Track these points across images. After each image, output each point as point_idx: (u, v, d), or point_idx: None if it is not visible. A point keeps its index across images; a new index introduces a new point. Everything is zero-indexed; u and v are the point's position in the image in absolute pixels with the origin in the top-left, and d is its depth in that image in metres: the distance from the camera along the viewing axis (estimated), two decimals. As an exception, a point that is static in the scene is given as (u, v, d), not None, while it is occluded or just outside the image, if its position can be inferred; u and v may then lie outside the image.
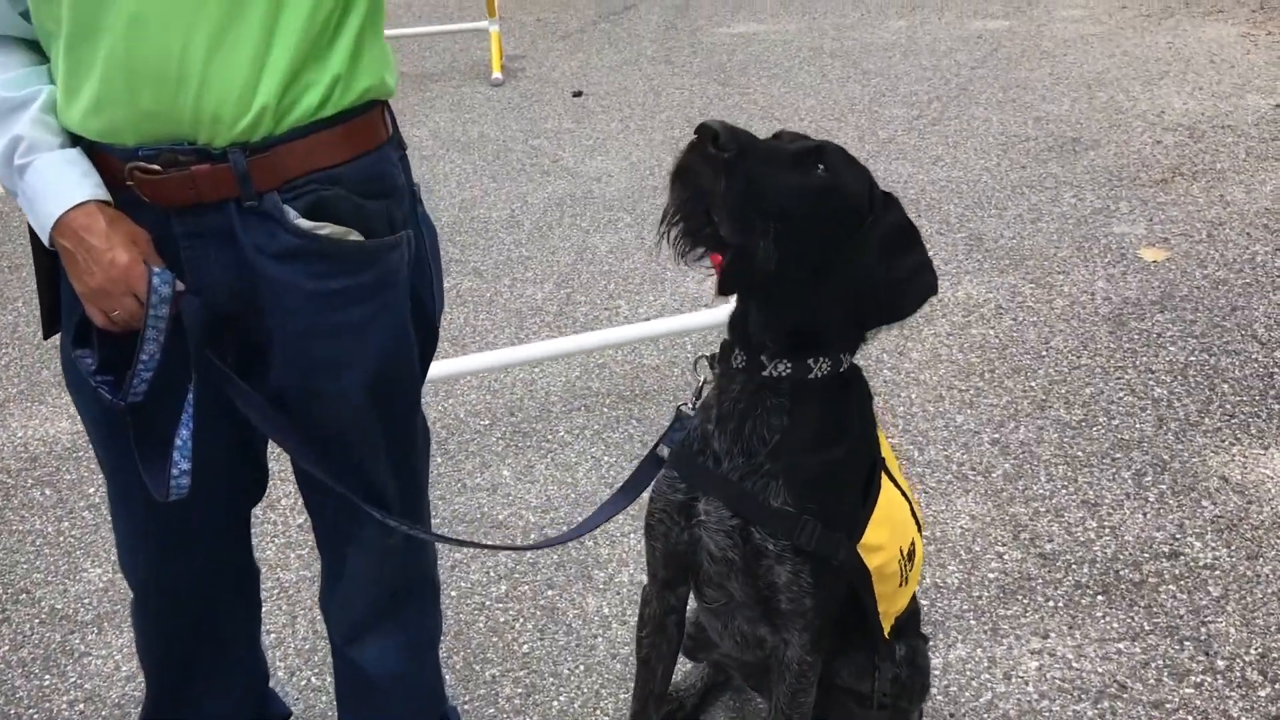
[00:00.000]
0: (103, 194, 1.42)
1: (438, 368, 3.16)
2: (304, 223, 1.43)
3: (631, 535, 2.71)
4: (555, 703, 2.31)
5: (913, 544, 1.79)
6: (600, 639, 2.44)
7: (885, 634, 1.80)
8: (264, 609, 2.58)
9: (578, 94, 6.20)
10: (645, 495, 1.77)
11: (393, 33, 7.24)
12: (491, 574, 2.66)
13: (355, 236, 1.47)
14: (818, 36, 7.01)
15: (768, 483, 1.61)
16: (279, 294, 1.46)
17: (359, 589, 1.73)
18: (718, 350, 1.68)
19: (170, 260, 1.46)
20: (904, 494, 1.79)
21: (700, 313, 3.44)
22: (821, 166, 1.47)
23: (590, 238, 4.42)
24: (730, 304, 3.33)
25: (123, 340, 1.47)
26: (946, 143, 5.11)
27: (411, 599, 1.78)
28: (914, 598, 1.95)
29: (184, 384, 1.49)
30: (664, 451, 1.74)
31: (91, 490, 3.03)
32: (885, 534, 1.70)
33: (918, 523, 1.84)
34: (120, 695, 2.40)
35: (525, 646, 2.44)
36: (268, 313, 1.48)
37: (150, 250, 1.43)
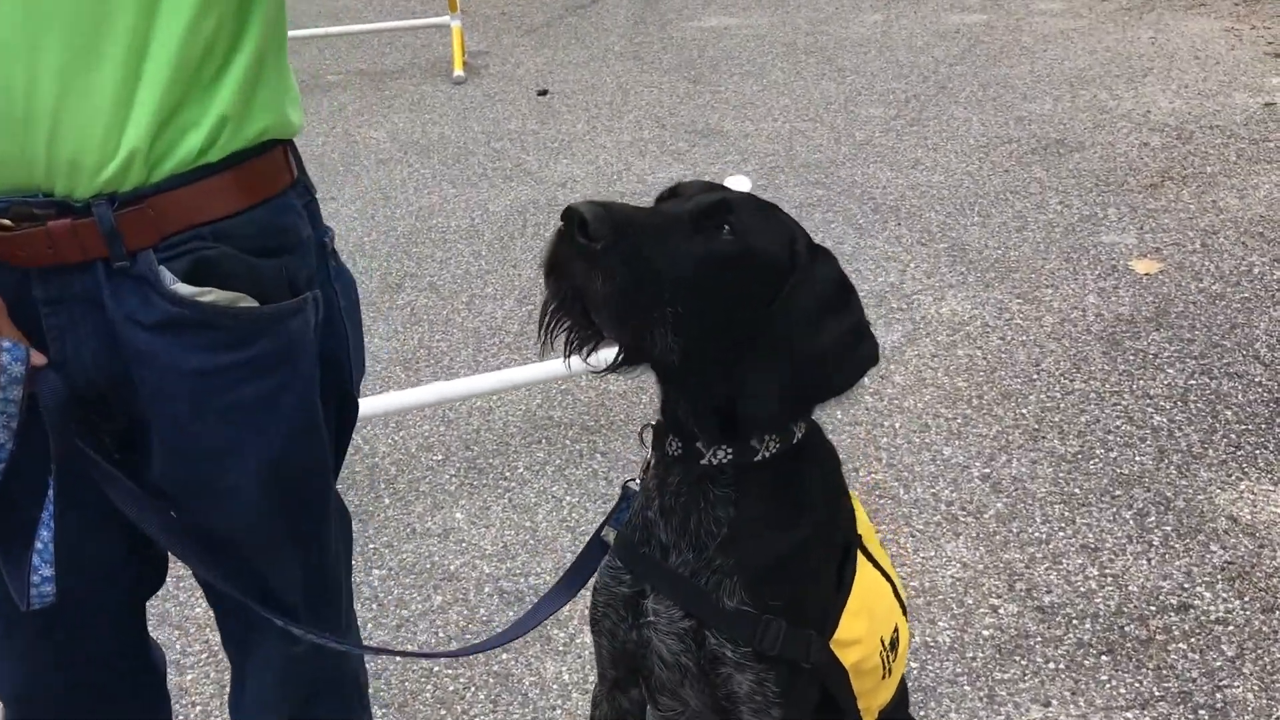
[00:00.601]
0: None
1: (388, 400, 2.93)
2: (183, 288, 1.20)
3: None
4: (509, 786, 2.09)
5: (895, 631, 1.58)
6: (560, 710, 2.22)
7: None
8: (190, 677, 2.35)
9: (543, 93, 5.96)
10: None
11: (351, 28, 6.97)
12: (440, 634, 2.43)
13: (247, 302, 1.23)
14: (791, 31, 6.79)
15: (721, 580, 1.38)
16: (156, 372, 1.23)
17: (266, 700, 1.50)
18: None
19: (31, 329, 1.22)
20: (884, 573, 1.57)
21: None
22: (727, 227, 1.24)
23: (554, 249, 4.18)
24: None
25: None
26: (926, 145, 4.90)
27: (322, 703, 1.54)
28: (901, 680, 1.74)
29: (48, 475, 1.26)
30: (610, 535, 1.52)
31: None
32: (863, 625, 1.48)
33: (902, 604, 1.62)
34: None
35: (477, 719, 2.22)
36: (144, 394, 1.25)
37: (1, 320, 1.19)
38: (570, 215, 1.13)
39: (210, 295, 1.20)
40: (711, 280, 1.21)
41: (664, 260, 1.18)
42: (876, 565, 1.55)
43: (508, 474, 2.92)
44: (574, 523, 2.72)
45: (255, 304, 1.24)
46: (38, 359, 1.19)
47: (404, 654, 1.68)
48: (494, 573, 2.58)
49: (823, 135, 5.07)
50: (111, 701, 1.54)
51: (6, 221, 1.16)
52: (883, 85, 5.73)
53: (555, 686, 2.27)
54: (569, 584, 1.52)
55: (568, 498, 2.81)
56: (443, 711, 2.24)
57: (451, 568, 2.62)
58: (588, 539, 1.56)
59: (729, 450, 1.33)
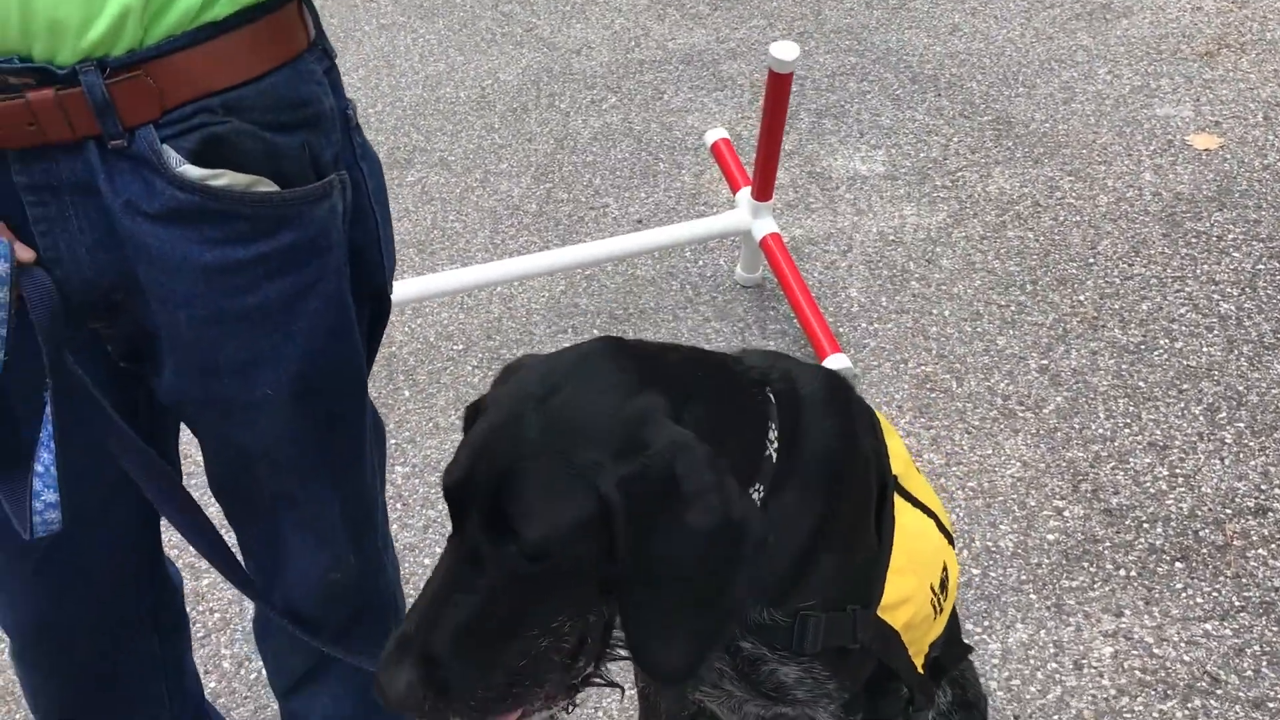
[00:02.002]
0: None
1: (405, 287, 2.74)
2: (192, 170, 1.01)
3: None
4: (550, 699, 1.97)
5: (944, 571, 1.41)
6: (600, 618, 2.10)
7: (920, 668, 1.45)
8: (206, 582, 2.23)
9: (551, -48, 5.59)
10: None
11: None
12: (471, 537, 2.30)
13: (266, 186, 1.05)
14: (814, -114, 6.37)
15: None
16: (164, 271, 1.04)
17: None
18: None
19: (13, 222, 1.04)
20: (924, 508, 1.39)
21: (700, 220, 3.01)
22: (509, 519, 0.97)
23: (571, 121, 3.94)
24: (738, 207, 2.85)
25: None
26: (964, 9, 4.60)
27: (362, 629, 1.40)
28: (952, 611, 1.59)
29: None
30: None
31: None
32: (910, 582, 1.31)
33: (948, 535, 1.45)
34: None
35: (513, 628, 2.10)
36: (152, 296, 1.07)
37: None
38: (382, 697, 1.02)
39: (223, 178, 1.02)
40: (545, 595, 1.00)
41: (496, 633, 1.00)
42: (917, 503, 1.38)
43: (533, 365, 2.75)
44: (606, 417, 2.57)
45: (275, 188, 1.05)
46: (24, 254, 1.01)
47: None
48: (524, 471, 2.44)
49: (853, -2, 4.76)
50: (126, 624, 1.41)
51: (-25, 92, 0.97)
52: (914, -56, 5.37)
53: (594, 593, 2.14)
54: None
55: (598, 390, 2.65)
56: (476, 620, 2.12)
57: (478, 465, 2.47)
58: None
59: None
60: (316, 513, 1.24)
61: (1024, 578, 2.10)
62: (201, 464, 1.31)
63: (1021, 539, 2.18)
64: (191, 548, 1.27)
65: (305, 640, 1.31)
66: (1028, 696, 1.90)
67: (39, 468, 1.08)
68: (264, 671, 2.05)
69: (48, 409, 1.07)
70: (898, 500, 1.32)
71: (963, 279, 2.94)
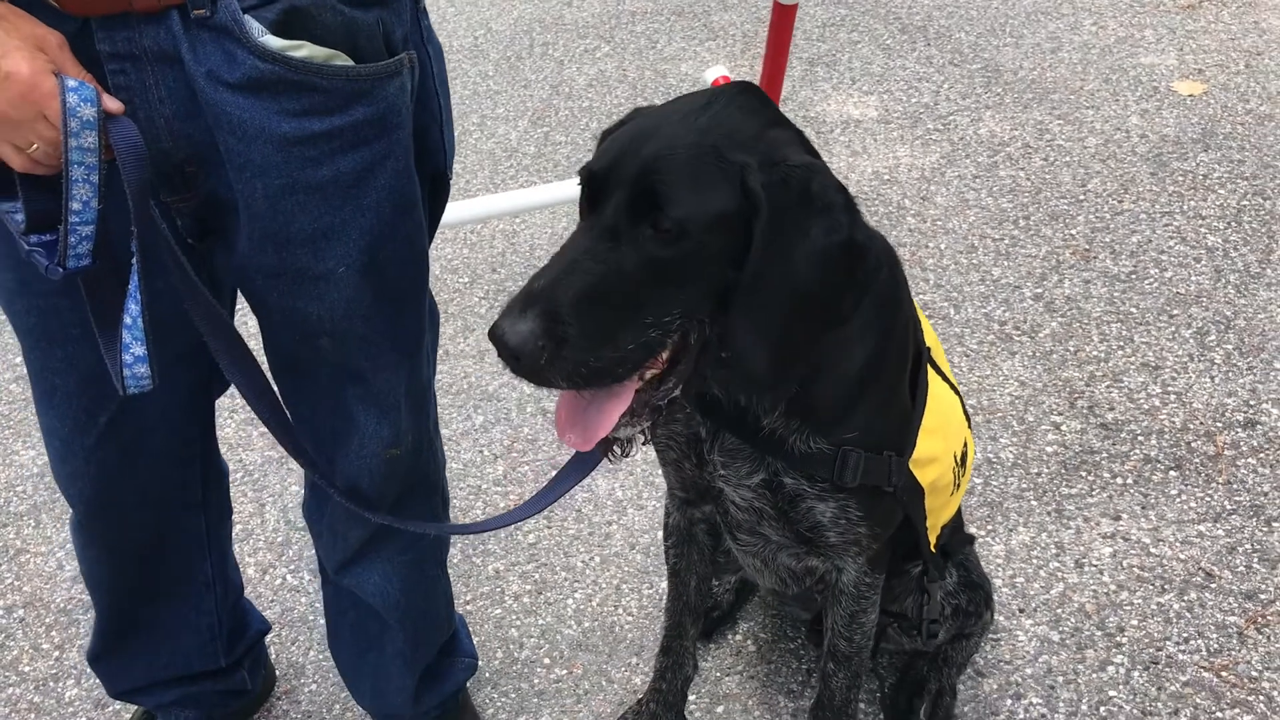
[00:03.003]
0: None
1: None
2: (273, 41, 1.05)
3: (643, 407, 2.40)
4: (570, 600, 2.03)
5: (965, 446, 1.51)
6: (615, 526, 2.16)
7: (932, 546, 1.53)
8: (227, 497, 2.27)
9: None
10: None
11: None
12: (486, 452, 2.35)
13: (343, 60, 1.09)
14: None
15: (788, 421, 1.26)
16: (242, 139, 1.08)
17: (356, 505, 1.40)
18: None
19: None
20: (952, 387, 1.49)
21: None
22: (660, 209, 1.03)
23: (565, 69, 3.97)
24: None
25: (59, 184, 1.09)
26: (950, -36, 4.66)
27: (407, 508, 1.45)
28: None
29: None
30: None
31: (19, 360, 2.65)
32: (939, 443, 1.40)
33: (967, 417, 1.55)
34: (65, 599, 2.08)
35: (531, 536, 2.16)
36: (231, 165, 1.10)
37: (65, 56, 1.04)
38: (511, 360, 1.03)
39: (303, 50, 1.06)
40: (668, 283, 1.05)
41: (616, 308, 1.04)
42: (945, 379, 1.46)
43: (539, 295, 2.80)
44: (614, 343, 2.62)
45: (352, 63, 1.09)
46: (112, 104, 1.05)
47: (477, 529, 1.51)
48: (536, 394, 2.49)
49: (840, -46, 4.80)
50: (178, 504, 1.46)
51: (60, -45, 1.00)
52: (899, -97, 5.42)
53: (609, 503, 2.20)
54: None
55: (605, 318, 2.70)
56: (494, 529, 2.17)
57: (490, 388, 2.52)
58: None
59: None
60: (381, 388, 1.28)
61: (1025, 486, 2.18)
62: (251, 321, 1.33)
63: (1021, 451, 2.26)
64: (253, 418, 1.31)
65: (363, 515, 1.35)
66: (1031, 592, 1.97)
67: (127, 319, 1.12)
68: (288, 577, 2.11)
69: (134, 259, 1.10)
70: (930, 372, 1.40)
71: (957, 214, 3.01)
